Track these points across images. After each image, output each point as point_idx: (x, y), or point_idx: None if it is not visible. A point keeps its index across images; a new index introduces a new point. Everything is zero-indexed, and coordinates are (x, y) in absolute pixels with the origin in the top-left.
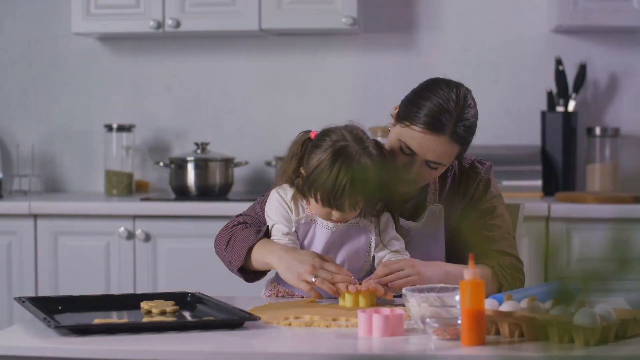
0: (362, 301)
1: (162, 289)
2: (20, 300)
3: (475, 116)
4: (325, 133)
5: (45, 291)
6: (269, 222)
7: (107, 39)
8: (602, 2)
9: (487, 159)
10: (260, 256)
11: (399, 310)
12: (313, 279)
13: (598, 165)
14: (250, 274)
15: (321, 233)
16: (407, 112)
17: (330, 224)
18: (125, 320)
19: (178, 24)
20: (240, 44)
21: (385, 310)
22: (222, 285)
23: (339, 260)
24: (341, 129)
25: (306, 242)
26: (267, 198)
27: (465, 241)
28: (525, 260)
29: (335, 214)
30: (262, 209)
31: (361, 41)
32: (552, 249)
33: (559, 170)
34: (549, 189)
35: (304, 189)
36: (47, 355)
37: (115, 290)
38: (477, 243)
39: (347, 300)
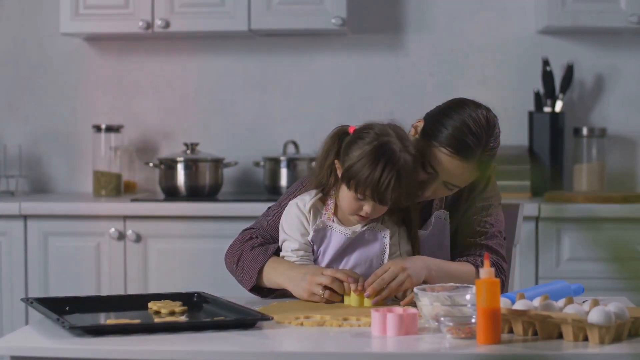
0: (367, 301)
1: (153, 289)
2: (28, 301)
3: (500, 141)
4: (368, 126)
5: (35, 292)
6: (281, 237)
7: (94, 39)
8: (590, 3)
9: None
10: (271, 277)
11: (412, 310)
12: (321, 291)
13: (585, 165)
14: (264, 290)
15: (336, 238)
16: (434, 131)
17: (348, 230)
18: (138, 320)
19: (167, 25)
20: (229, 45)
21: (399, 310)
22: (214, 285)
23: (350, 264)
24: (384, 124)
25: (322, 248)
26: (275, 209)
27: (457, 232)
28: (520, 260)
29: (366, 208)
30: (268, 222)
31: (349, 42)
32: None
33: (546, 170)
34: (537, 189)
35: (338, 182)
36: (63, 355)
37: (105, 291)
38: (467, 235)
39: (352, 300)
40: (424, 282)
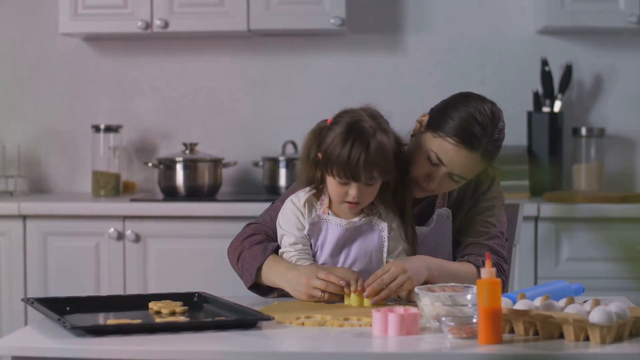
0: (367, 301)
1: (152, 289)
2: (29, 301)
3: (504, 135)
4: (341, 112)
5: (34, 292)
6: (279, 232)
7: (93, 39)
8: (589, 3)
9: None
10: (269, 276)
11: (413, 309)
12: (319, 293)
13: (584, 165)
14: (264, 287)
15: (333, 230)
16: (440, 122)
17: (343, 221)
18: (139, 320)
19: (166, 25)
20: (228, 45)
21: (400, 310)
22: (213, 285)
23: (350, 259)
24: (357, 108)
25: (319, 242)
26: (278, 204)
27: (459, 232)
28: (524, 260)
29: (352, 192)
30: (271, 217)
31: (348, 42)
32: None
33: (545, 170)
34: (535, 189)
35: (323, 172)
36: (64, 356)
37: (105, 291)
38: (469, 235)
39: (352, 300)
40: (425, 283)
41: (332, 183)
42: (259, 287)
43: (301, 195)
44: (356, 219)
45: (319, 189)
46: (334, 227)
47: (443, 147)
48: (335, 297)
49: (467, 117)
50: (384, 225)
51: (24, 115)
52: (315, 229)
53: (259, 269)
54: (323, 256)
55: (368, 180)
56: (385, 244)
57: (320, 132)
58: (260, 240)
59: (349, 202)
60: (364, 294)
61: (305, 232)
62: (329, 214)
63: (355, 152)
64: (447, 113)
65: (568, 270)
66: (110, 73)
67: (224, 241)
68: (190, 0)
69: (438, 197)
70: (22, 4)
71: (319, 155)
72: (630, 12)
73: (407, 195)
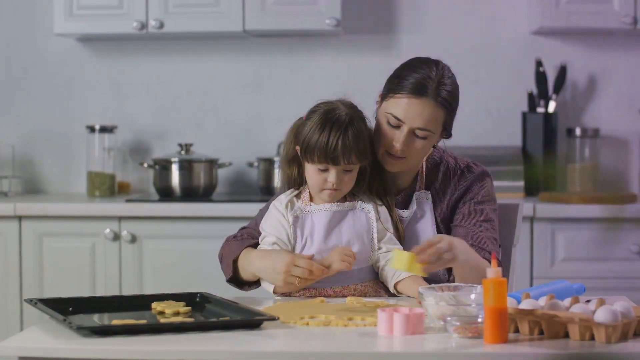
0: (416, 268)
1: (148, 290)
2: (32, 301)
3: (456, 84)
4: (316, 105)
5: (30, 293)
6: (262, 234)
7: (88, 39)
8: (584, 4)
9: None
10: (246, 267)
11: (418, 309)
12: (296, 281)
13: (578, 165)
14: (245, 285)
15: (319, 217)
16: (390, 86)
17: (326, 205)
18: (144, 321)
19: (161, 25)
20: (223, 45)
21: (405, 309)
22: (209, 285)
23: (344, 242)
24: (332, 100)
25: (307, 232)
26: (265, 209)
27: (454, 235)
28: (519, 260)
29: (331, 178)
30: (257, 221)
31: (342, 42)
32: None
33: (539, 170)
34: (530, 189)
35: (302, 163)
36: (70, 356)
37: (101, 292)
38: (466, 238)
39: (401, 264)
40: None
41: (311, 172)
42: (237, 281)
43: (282, 199)
44: (340, 204)
45: (299, 189)
46: (319, 214)
47: (396, 105)
48: (308, 283)
49: (413, 74)
50: (369, 207)
51: (18, 116)
52: (299, 222)
53: (236, 262)
54: (314, 245)
55: (346, 164)
56: (374, 224)
57: (297, 128)
58: (240, 238)
59: (329, 189)
60: (419, 258)
61: (291, 223)
62: (311, 205)
63: (333, 136)
64: (395, 76)
65: (564, 270)
66: (105, 73)
67: (220, 242)
68: (185, 1)
69: (418, 182)
70: (16, 4)
71: (297, 148)
72: (624, 12)
73: (386, 181)
